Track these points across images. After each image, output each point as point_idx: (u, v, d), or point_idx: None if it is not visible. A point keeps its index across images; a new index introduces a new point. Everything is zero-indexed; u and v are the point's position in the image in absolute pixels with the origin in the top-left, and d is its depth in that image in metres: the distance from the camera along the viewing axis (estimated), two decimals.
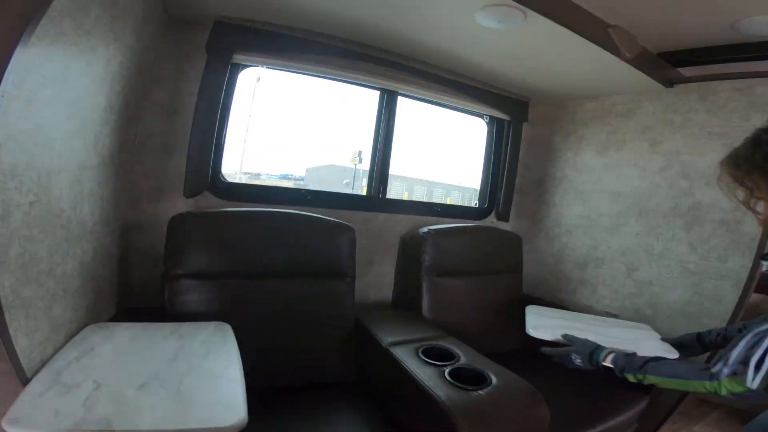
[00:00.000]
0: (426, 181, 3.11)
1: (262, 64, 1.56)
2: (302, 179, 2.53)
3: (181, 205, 1.43)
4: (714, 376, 0.85)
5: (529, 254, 2.06)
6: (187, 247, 1.27)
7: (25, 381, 0.65)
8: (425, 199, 2.91)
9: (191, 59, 1.43)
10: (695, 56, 1.51)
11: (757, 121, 1.35)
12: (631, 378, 1.06)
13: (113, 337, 0.88)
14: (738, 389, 0.83)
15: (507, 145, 2.11)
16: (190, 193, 1.42)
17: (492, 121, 2.12)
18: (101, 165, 1.06)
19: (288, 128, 2.29)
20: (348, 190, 2.65)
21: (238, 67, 1.51)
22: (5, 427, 0.54)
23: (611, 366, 1.09)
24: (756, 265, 1.39)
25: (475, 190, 2.31)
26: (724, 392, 0.85)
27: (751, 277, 1.40)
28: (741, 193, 0.86)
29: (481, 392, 1.10)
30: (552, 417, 1.14)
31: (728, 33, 1.33)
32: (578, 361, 1.15)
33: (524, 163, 2.16)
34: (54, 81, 0.76)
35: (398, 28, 1.45)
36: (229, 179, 1.61)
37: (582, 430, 1.30)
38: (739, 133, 1.33)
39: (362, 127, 2.12)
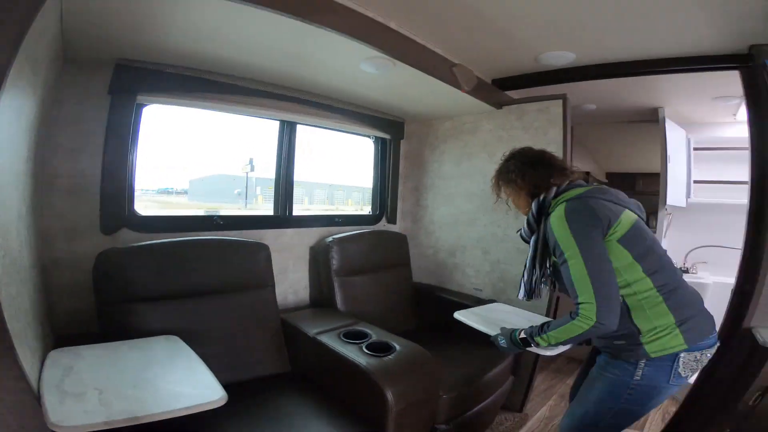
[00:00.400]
0: (327, 185, 3.17)
1: (166, 103, 1.66)
2: (185, 192, 2.39)
3: (97, 240, 1.47)
4: (572, 315, 1.12)
5: (414, 249, 2.51)
6: (118, 278, 1.36)
7: (38, 397, 0.76)
8: (327, 202, 3.07)
9: (91, 100, 1.46)
10: (515, 82, 2.11)
11: (552, 135, 1.97)
12: (542, 342, 1.23)
13: (82, 357, 0.98)
14: (591, 315, 1.08)
15: (390, 159, 2.52)
16: (108, 230, 1.49)
17: (377, 140, 2.52)
18: (28, 212, 1.12)
19: (168, 139, 2.04)
20: (241, 200, 2.61)
21: (140, 105, 1.58)
22: (56, 428, 0.67)
23: (526, 337, 1.27)
24: None
25: None
26: (589, 323, 1.09)
27: None
28: (499, 192, 1.40)
29: (390, 357, 1.47)
30: (443, 371, 1.55)
31: (533, 64, 1.93)
32: (503, 342, 1.33)
33: (403, 174, 2.60)
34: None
35: (297, 72, 1.72)
36: None
37: (467, 381, 1.71)
38: (543, 143, 1.94)
39: (252, 134, 2.21)
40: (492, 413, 1.96)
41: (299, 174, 2.23)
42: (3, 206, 0.87)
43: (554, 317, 1.89)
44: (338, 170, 2.88)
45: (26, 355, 0.83)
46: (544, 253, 1.28)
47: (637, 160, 3.35)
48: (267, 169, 2.42)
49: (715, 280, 2.48)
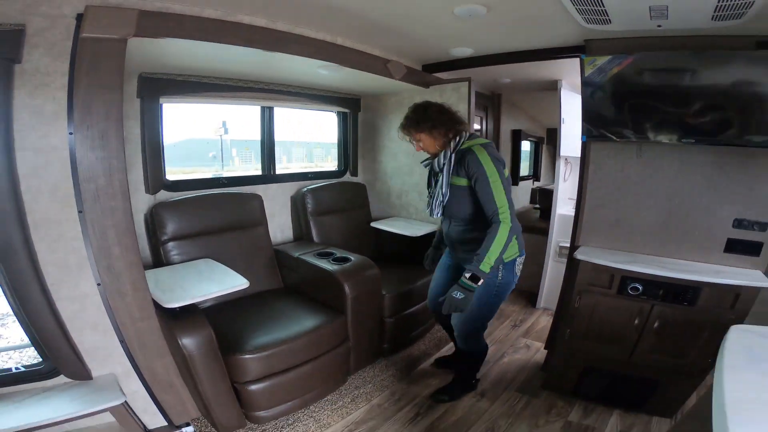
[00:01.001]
0: (305, 143, 3.48)
1: (180, 102, 2.30)
2: None
3: (144, 198, 2.16)
4: (494, 225, 1.57)
5: (372, 195, 3.28)
6: (169, 222, 2.11)
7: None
8: (306, 158, 3.54)
9: (127, 103, 1.90)
10: (437, 67, 2.79)
11: (463, 107, 2.67)
12: (485, 267, 1.56)
13: (160, 274, 1.81)
14: (507, 218, 1.56)
15: (350, 126, 3.21)
16: (153, 190, 2.18)
17: (339, 114, 3.20)
18: None
19: None
20: (217, 163, 2.79)
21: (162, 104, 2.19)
22: (168, 305, 1.45)
23: (472, 273, 1.58)
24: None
25: None
26: (508, 224, 1.55)
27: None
28: (408, 136, 1.82)
29: (347, 264, 2.25)
30: (384, 277, 2.35)
31: (447, 55, 2.62)
32: (458, 294, 1.63)
33: (362, 137, 3.30)
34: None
35: (271, 74, 2.35)
36: None
37: (402, 284, 2.50)
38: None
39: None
40: (425, 314, 2.64)
41: (284, 136, 2.77)
42: None
43: None
44: (316, 132, 3.38)
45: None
46: (448, 180, 1.70)
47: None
48: (243, 130, 2.75)
49: None
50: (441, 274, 2.09)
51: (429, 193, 1.89)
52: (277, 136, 2.83)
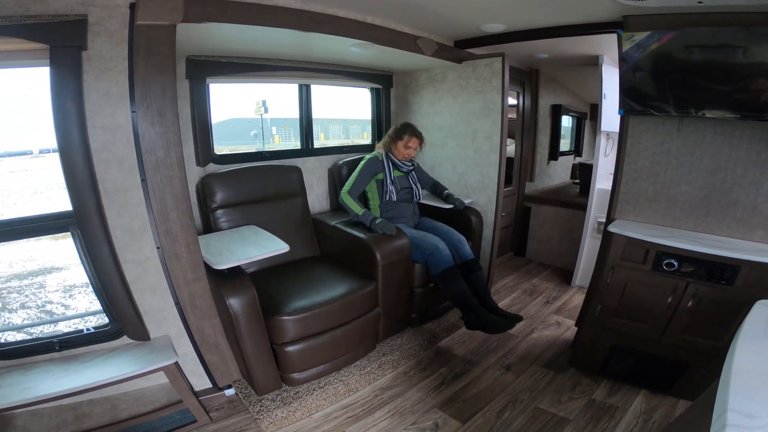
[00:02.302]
0: (342, 120, 3.59)
1: (225, 82, 2.44)
2: None
3: (195, 170, 2.34)
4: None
5: None
6: (217, 192, 2.29)
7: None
8: (342, 135, 3.62)
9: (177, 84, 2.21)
10: (469, 43, 2.75)
11: (495, 83, 2.66)
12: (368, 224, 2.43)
13: (210, 239, 2.00)
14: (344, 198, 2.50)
15: (383, 102, 3.27)
16: (203, 163, 2.36)
17: (372, 90, 3.26)
18: None
19: None
20: (258, 141, 2.97)
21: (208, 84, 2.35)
22: (218, 267, 1.63)
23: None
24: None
25: None
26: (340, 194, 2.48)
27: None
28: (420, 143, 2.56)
29: (378, 233, 2.35)
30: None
31: (478, 31, 2.59)
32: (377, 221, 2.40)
33: (394, 113, 3.35)
34: None
35: (308, 53, 2.45)
36: None
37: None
38: (489, 89, 2.65)
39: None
40: None
41: (322, 114, 2.88)
42: None
43: None
44: (352, 109, 3.51)
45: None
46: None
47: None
48: (282, 109, 2.89)
49: None
50: (421, 234, 2.52)
51: (395, 188, 2.62)
52: (315, 114, 2.95)
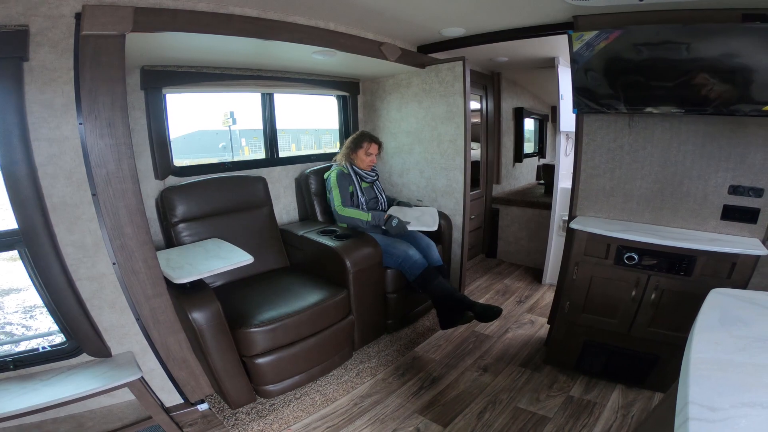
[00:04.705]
0: (313, 130, 3.49)
1: (182, 92, 2.38)
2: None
3: (154, 183, 2.26)
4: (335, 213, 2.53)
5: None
6: (178, 205, 2.22)
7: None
8: (315, 145, 3.50)
9: (131, 95, 2.07)
10: (432, 48, 2.81)
11: (457, 86, 2.71)
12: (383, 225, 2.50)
13: (171, 253, 1.94)
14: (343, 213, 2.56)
15: (350, 109, 3.27)
16: (162, 176, 2.28)
17: (339, 97, 3.25)
18: None
19: None
20: (227, 153, 2.88)
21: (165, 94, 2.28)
22: (177, 281, 1.58)
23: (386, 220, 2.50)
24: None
25: None
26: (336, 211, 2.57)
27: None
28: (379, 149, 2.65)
29: (348, 241, 2.33)
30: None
31: (439, 35, 2.65)
32: (393, 222, 2.45)
33: (362, 120, 3.35)
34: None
35: (269, 62, 2.41)
36: None
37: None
38: (452, 93, 2.69)
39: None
40: None
41: (292, 124, 2.86)
42: None
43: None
44: (323, 119, 3.44)
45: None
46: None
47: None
48: (251, 120, 2.82)
49: None
50: (390, 241, 2.52)
51: (365, 200, 2.70)
52: (286, 124, 2.93)
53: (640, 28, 1.77)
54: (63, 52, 1.44)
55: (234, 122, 2.75)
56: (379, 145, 2.73)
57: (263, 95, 2.76)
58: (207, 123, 2.78)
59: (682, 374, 0.83)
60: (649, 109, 1.88)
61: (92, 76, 1.41)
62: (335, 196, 2.58)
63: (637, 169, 2.06)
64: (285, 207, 2.93)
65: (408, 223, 2.47)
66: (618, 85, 1.90)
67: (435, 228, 2.53)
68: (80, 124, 1.46)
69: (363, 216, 2.52)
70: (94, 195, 1.52)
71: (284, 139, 3.19)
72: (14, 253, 1.57)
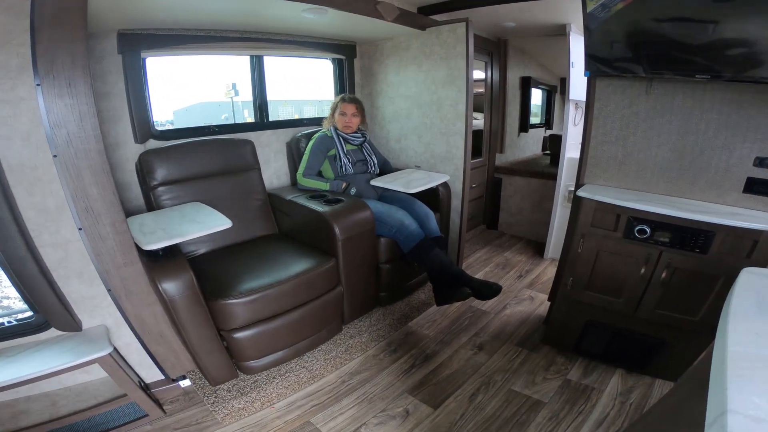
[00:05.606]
0: (316, 101, 3.41)
1: (163, 55, 2.21)
2: (171, 123, 2.55)
3: (133, 148, 2.14)
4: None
5: (373, 139, 3.18)
6: (157, 168, 2.08)
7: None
8: (317, 114, 3.37)
9: (108, 59, 1.99)
10: (433, 9, 2.60)
11: (459, 49, 2.51)
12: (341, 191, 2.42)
13: (146, 218, 1.77)
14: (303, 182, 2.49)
15: (347, 73, 3.08)
16: (141, 139, 2.16)
17: (334, 61, 3.05)
18: None
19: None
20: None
21: (144, 58, 2.12)
22: (147, 247, 1.45)
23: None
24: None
25: None
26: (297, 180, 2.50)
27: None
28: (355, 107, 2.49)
29: (338, 206, 2.18)
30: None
31: None
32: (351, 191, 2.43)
33: (359, 84, 3.17)
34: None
35: (257, 21, 2.21)
36: None
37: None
38: (453, 56, 2.49)
39: (231, 61, 2.50)
40: None
41: (289, 95, 2.84)
42: None
43: None
44: (322, 88, 3.24)
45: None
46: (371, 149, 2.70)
47: None
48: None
49: None
50: (385, 208, 2.37)
51: (350, 161, 2.57)
52: (282, 95, 2.80)
53: None
54: (18, 15, 1.31)
55: (236, 93, 2.70)
56: (357, 104, 2.58)
57: (252, 58, 2.58)
58: (209, 95, 2.73)
59: (714, 371, 0.64)
60: (670, 74, 1.68)
61: (50, 36, 1.29)
62: (302, 164, 2.54)
63: (653, 137, 1.88)
64: (276, 171, 2.80)
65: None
66: (636, 47, 1.70)
67: (408, 191, 2.37)
68: (38, 85, 1.34)
69: (321, 185, 2.46)
70: (55, 156, 1.40)
71: (287, 110, 3.14)
72: None
